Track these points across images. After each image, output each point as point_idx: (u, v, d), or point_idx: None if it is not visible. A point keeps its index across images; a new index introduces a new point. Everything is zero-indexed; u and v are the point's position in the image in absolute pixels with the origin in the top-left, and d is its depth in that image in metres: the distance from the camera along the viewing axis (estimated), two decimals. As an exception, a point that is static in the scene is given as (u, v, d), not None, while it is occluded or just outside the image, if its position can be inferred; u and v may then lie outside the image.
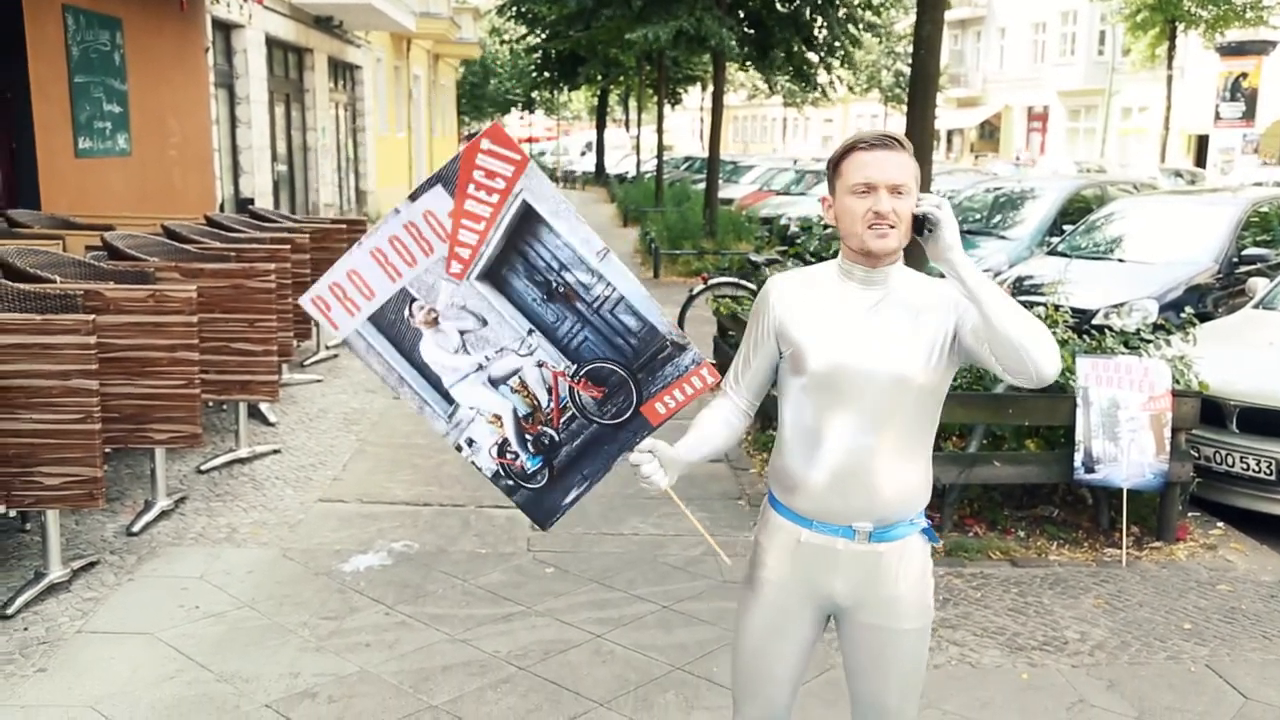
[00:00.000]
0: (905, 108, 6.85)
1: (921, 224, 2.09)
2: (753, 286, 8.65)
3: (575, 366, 2.04)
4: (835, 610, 2.29)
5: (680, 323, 8.96)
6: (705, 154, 20.72)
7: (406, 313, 2.00)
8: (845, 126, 55.61)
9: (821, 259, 7.35)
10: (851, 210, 2.11)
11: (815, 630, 2.32)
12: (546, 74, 30.96)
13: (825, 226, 8.23)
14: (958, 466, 4.96)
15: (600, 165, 38.16)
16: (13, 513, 4.38)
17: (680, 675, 3.68)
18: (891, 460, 2.15)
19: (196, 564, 4.49)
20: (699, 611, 4.16)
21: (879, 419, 2.14)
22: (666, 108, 27.09)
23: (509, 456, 2.05)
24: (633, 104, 40.53)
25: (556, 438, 2.05)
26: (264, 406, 6.70)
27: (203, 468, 5.72)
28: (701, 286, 8.98)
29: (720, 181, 18.08)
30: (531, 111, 54.26)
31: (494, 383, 2.03)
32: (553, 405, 2.05)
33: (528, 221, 1.98)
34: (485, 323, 2.00)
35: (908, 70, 7.29)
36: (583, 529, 5.01)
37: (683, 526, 5.08)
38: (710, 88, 18.84)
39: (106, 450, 5.34)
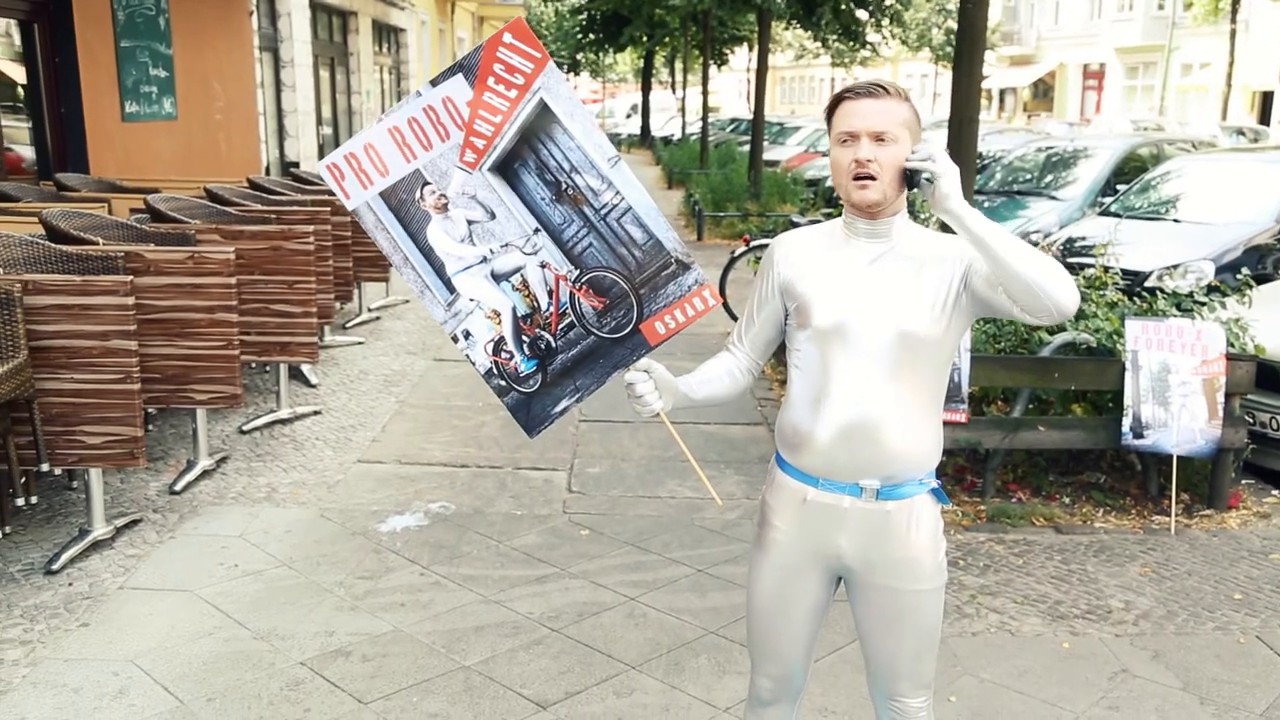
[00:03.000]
0: (953, 65, 6.70)
1: (914, 176, 2.01)
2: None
3: (578, 272, 2.00)
4: (845, 571, 2.25)
5: (722, 285, 8.87)
6: (750, 115, 20.48)
7: (418, 194, 1.99)
8: (895, 87, 54.65)
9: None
10: (838, 161, 2.08)
11: (825, 590, 2.29)
12: (591, 36, 30.73)
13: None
14: (1001, 431, 4.86)
15: (645, 127, 37.88)
16: (58, 471, 4.45)
17: (713, 639, 3.65)
18: (898, 416, 2.10)
19: (236, 523, 4.53)
20: (733, 575, 4.13)
21: (884, 374, 2.08)
22: (712, 69, 26.78)
23: (504, 355, 2.03)
24: (678, 66, 40.11)
25: (554, 344, 2.02)
26: (305, 368, 6.74)
27: (244, 428, 5.77)
28: (744, 248, 8.88)
29: (766, 143, 17.88)
30: (577, 74, 53.94)
31: (496, 277, 2.01)
32: (552, 309, 2.02)
33: (543, 119, 1.96)
34: (493, 216, 1.98)
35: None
36: (619, 491, 4.99)
37: (720, 490, 5.04)
38: (756, 48, 18.57)
39: (150, 410, 5.42)
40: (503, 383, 2.03)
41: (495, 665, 3.45)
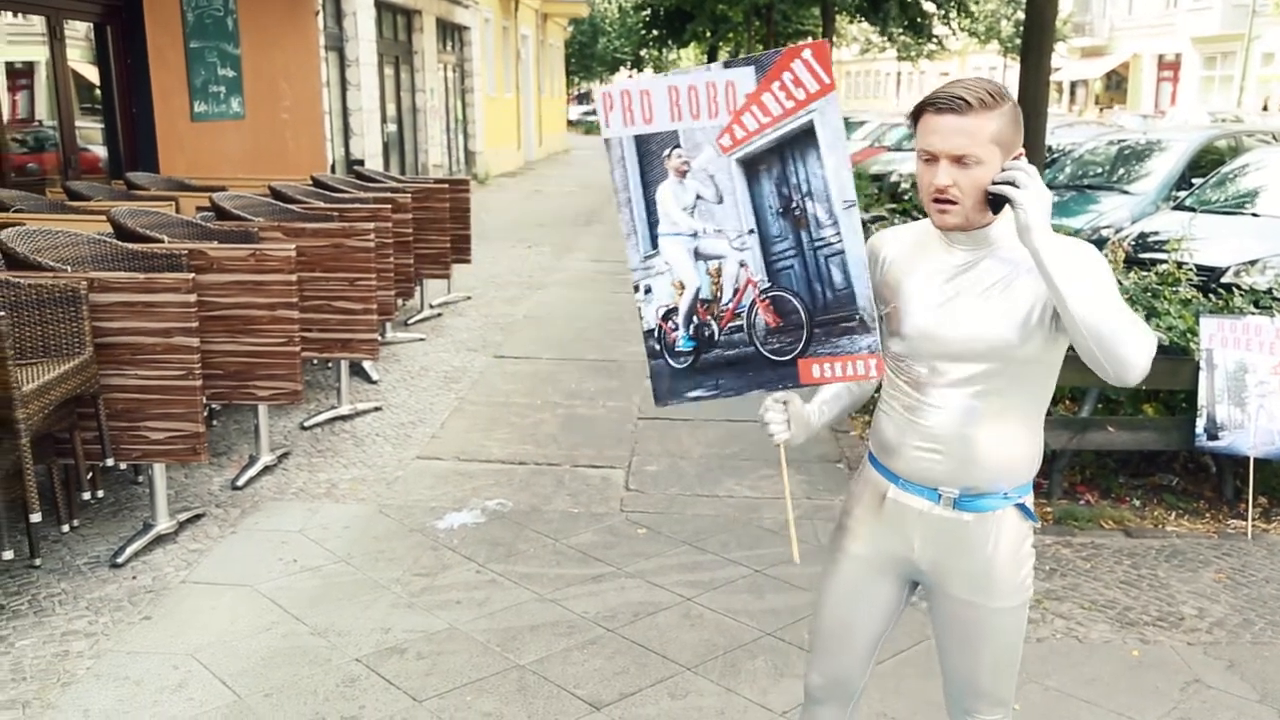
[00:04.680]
0: (1021, 56, 6.54)
1: (998, 200, 1.89)
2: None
3: (769, 284, 2.05)
4: (920, 577, 2.19)
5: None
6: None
7: (666, 152, 2.06)
8: (962, 80, 53.80)
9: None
10: (921, 178, 1.96)
11: (897, 594, 2.22)
12: (655, 31, 30.70)
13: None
14: (1069, 431, 4.73)
15: (708, 123, 37.72)
16: (124, 466, 4.53)
17: (770, 641, 3.60)
18: (982, 430, 2.01)
19: (296, 518, 4.58)
20: (791, 576, 4.07)
21: (970, 385, 2.00)
22: (775, 63, 26.58)
23: (670, 325, 2.09)
24: (742, 60, 39.90)
25: (716, 336, 2.06)
26: (367, 364, 6.81)
27: (306, 424, 5.84)
28: (805, 245, 8.76)
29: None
30: (640, 70, 53.97)
31: (697, 255, 2.08)
32: (730, 306, 2.07)
33: (805, 139, 1.99)
34: (720, 201, 2.04)
35: (1026, 17, 6.97)
36: (677, 490, 4.95)
37: (779, 490, 4.98)
38: (820, 41, 18.39)
39: (213, 406, 5.50)
40: (657, 346, 2.09)
41: (549, 665, 3.44)
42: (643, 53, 46.71)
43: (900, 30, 21.65)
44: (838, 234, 1.99)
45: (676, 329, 2.10)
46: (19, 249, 4.35)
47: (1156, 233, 7.82)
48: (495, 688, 3.30)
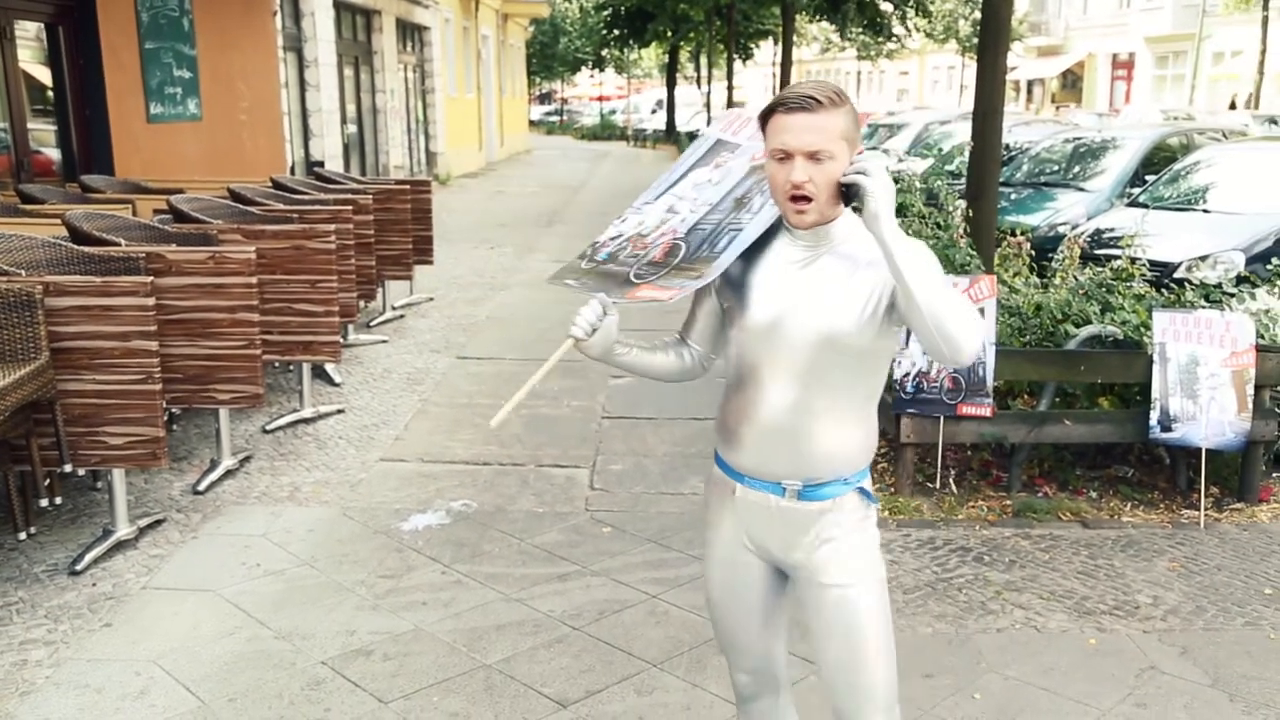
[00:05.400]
0: (978, 55, 6.61)
1: (850, 191, 1.95)
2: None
3: (681, 235, 2.21)
4: (785, 569, 2.22)
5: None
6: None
7: (718, 157, 2.35)
8: (921, 79, 54.37)
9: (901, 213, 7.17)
10: (773, 178, 2.01)
11: (772, 582, 2.26)
12: (616, 31, 30.76)
13: (895, 181, 8.02)
14: (1027, 425, 4.80)
15: (671, 123, 37.85)
16: (82, 471, 4.48)
17: (735, 637, 3.62)
18: (821, 420, 2.07)
19: (259, 522, 4.55)
20: (756, 572, 4.10)
21: (808, 377, 2.05)
22: (737, 63, 26.72)
23: (607, 243, 2.28)
24: (703, 60, 40.04)
25: (622, 257, 2.22)
26: (329, 367, 6.77)
27: (268, 427, 5.80)
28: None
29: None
30: (602, 70, 53.97)
31: (669, 210, 2.28)
32: (646, 239, 2.24)
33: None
34: (715, 185, 2.27)
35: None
36: (642, 488, 4.97)
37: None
38: (781, 42, 18.48)
39: (174, 410, 5.45)
40: (587, 249, 2.27)
41: (516, 664, 3.45)
42: (604, 52, 46.75)
43: (859, 30, 21.80)
44: (751, 218, 2.14)
45: (607, 247, 2.27)
46: (-28, 253, 4.29)
47: (1111, 229, 7.95)
48: (462, 687, 3.30)
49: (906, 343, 4.72)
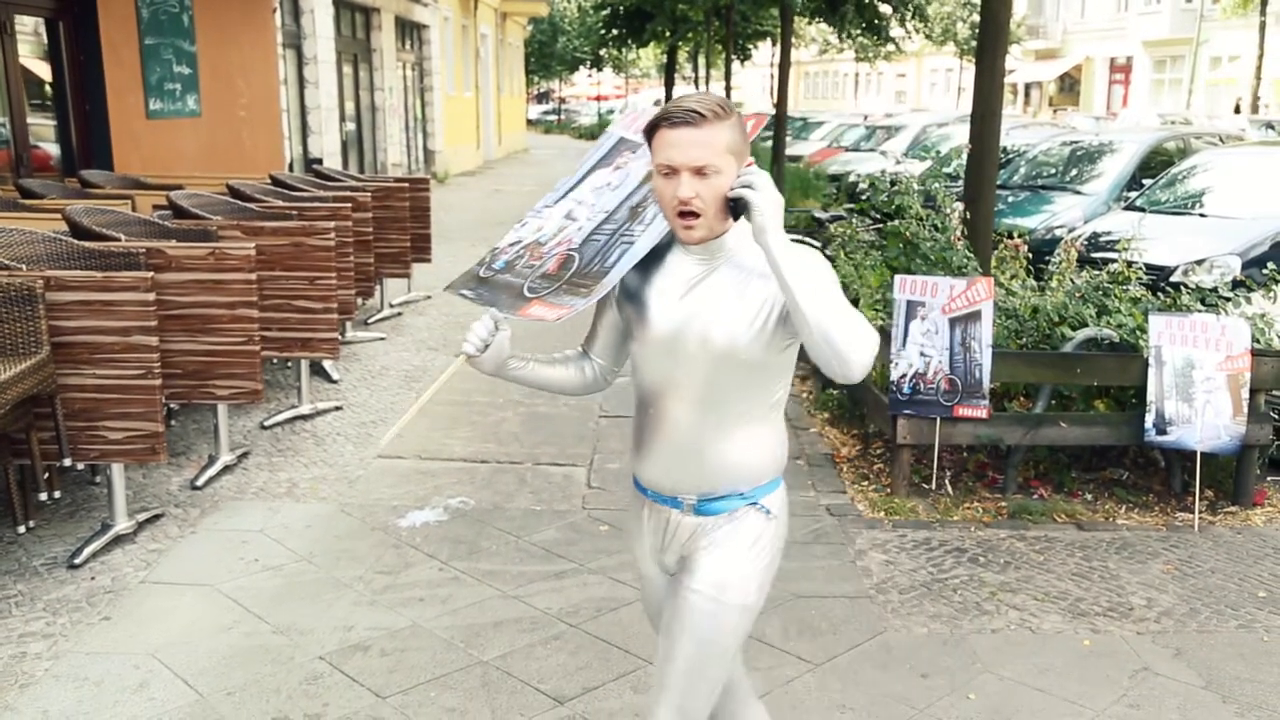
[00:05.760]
0: (976, 58, 6.62)
1: (738, 205, 1.93)
2: (817, 244, 8.47)
3: (575, 247, 2.18)
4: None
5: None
6: (773, 111, 20.41)
7: (622, 153, 2.33)
8: (919, 81, 54.44)
9: (888, 216, 7.19)
10: (661, 194, 1.99)
11: None
12: (614, 31, 30.70)
13: (892, 183, 8.03)
14: (1023, 427, 4.83)
15: (668, 123, 37.79)
16: (81, 466, 4.48)
17: (731, 635, 3.64)
18: (718, 434, 2.05)
19: (257, 518, 4.56)
20: (752, 571, 4.11)
21: (705, 391, 2.04)
22: (736, 64, 26.73)
23: (505, 250, 2.25)
24: (701, 61, 40.02)
25: (518, 267, 2.19)
26: (327, 364, 6.78)
27: (266, 423, 5.81)
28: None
29: (789, 138, 17.81)
30: (600, 70, 53.96)
31: (568, 215, 2.25)
32: (542, 250, 2.21)
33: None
34: (615, 190, 2.24)
35: (980, 20, 7.04)
36: (638, 487, 4.98)
37: (739, 486, 5.02)
38: (779, 43, 18.49)
39: (171, 406, 5.45)
40: (486, 257, 2.26)
41: (513, 660, 3.46)
42: (602, 52, 46.72)
43: (857, 32, 21.79)
44: (643, 230, 2.11)
45: (505, 254, 2.24)
46: (-28, 247, 4.30)
47: (1108, 232, 7.98)
48: (459, 683, 3.32)
49: (904, 345, 4.75)
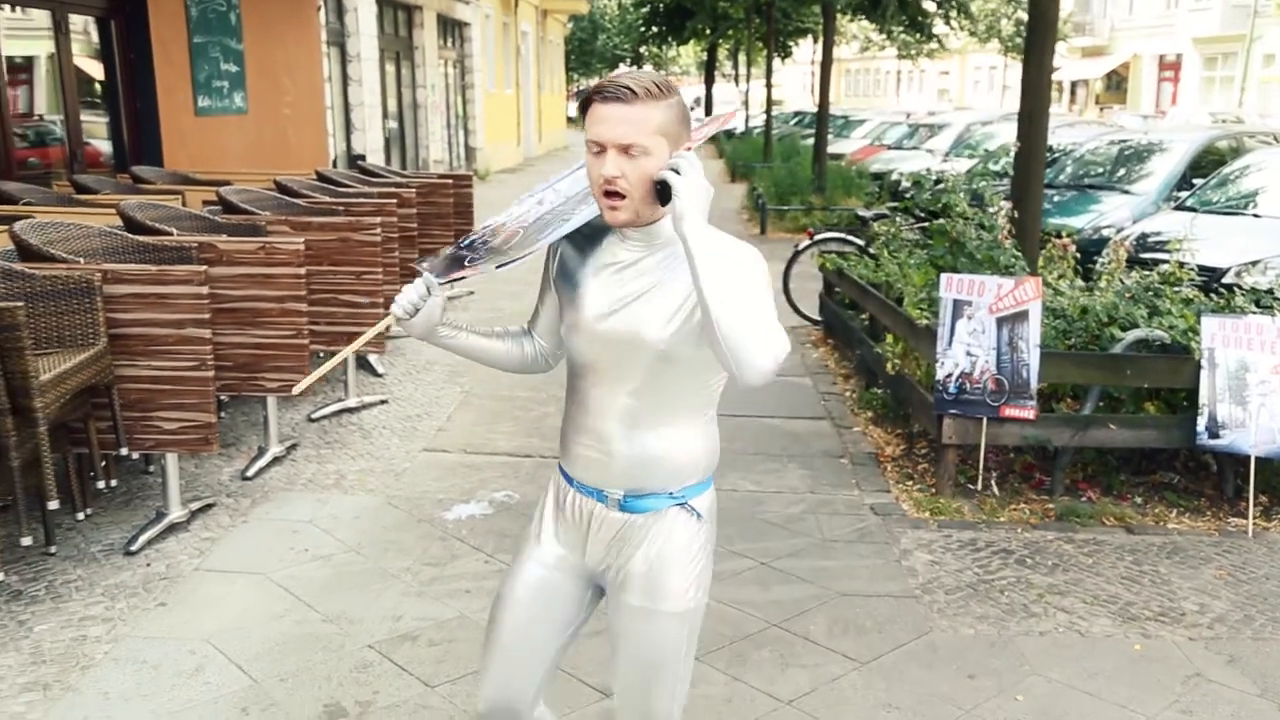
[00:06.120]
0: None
1: (666, 190, 1.84)
2: (860, 242, 8.47)
3: (528, 225, 2.17)
4: (599, 581, 2.14)
5: (785, 278, 8.83)
6: (814, 109, 20.32)
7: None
8: (963, 78, 53.98)
9: (933, 215, 7.14)
10: (590, 171, 1.92)
11: (581, 595, 2.15)
12: (654, 28, 30.72)
13: (936, 181, 7.98)
14: (1071, 429, 4.78)
15: (708, 121, 37.72)
16: (136, 455, 4.57)
17: (776, 632, 3.64)
18: (645, 428, 1.99)
19: (306, 509, 4.62)
20: (796, 569, 4.12)
21: (632, 382, 1.98)
22: (776, 61, 26.64)
23: (477, 232, 2.22)
24: (741, 59, 39.90)
25: (475, 244, 2.18)
26: (372, 358, 6.84)
27: (313, 416, 5.88)
28: (807, 242, 8.83)
29: (830, 136, 17.73)
30: (640, 67, 53.97)
31: (538, 202, 2.21)
32: (504, 229, 2.19)
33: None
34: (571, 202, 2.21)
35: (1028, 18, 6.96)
36: (682, 484, 4.99)
37: (783, 484, 5.03)
38: (820, 40, 18.41)
39: (222, 397, 5.54)
40: (465, 241, 2.22)
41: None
42: (642, 49, 46.71)
43: (900, 29, 21.64)
44: (585, 210, 2.08)
45: (473, 234, 2.22)
46: (32, 241, 4.39)
47: (1158, 233, 7.87)
48: (507, 675, 3.34)
49: (950, 344, 4.72)
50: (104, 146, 9.24)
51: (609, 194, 1.88)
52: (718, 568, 4.10)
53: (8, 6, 7.76)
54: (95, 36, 8.98)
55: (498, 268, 2.07)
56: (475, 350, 2.20)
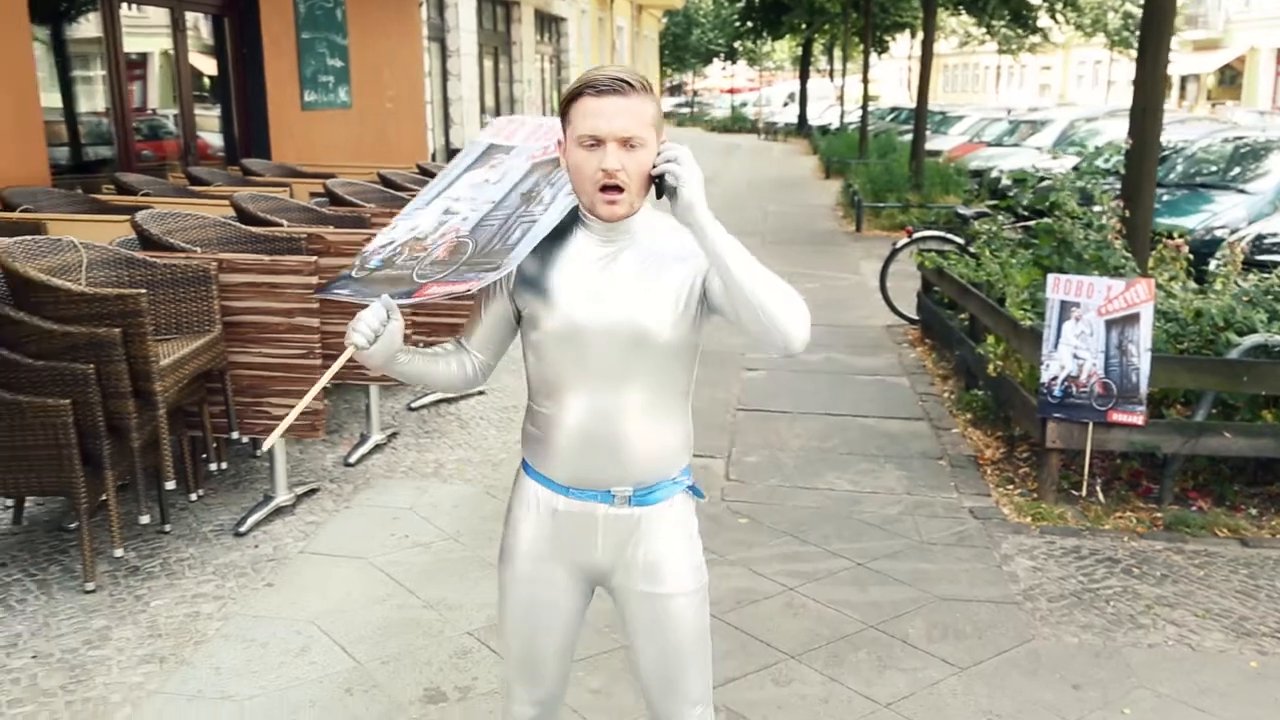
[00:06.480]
0: (1133, 52, 6.37)
1: (661, 182, 1.86)
2: (960, 241, 8.31)
3: (467, 233, 2.07)
4: (603, 581, 2.11)
5: (883, 277, 8.71)
6: (911, 104, 19.99)
7: (491, 160, 2.23)
8: (1065, 74, 52.56)
9: (1038, 213, 6.97)
10: (580, 167, 1.87)
11: (582, 601, 2.15)
12: (749, 23, 30.60)
13: (1040, 179, 7.78)
14: (1182, 436, 4.62)
15: (803, 116, 37.49)
16: (245, 439, 4.71)
17: (873, 634, 3.60)
18: (641, 422, 1.97)
19: (406, 496, 4.72)
20: (894, 571, 4.06)
21: (622, 378, 1.95)
22: (873, 56, 26.28)
23: (376, 250, 2.11)
24: (837, 53, 39.48)
25: (398, 262, 2.06)
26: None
27: (413, 405, 6.00)
28: (906, 240, 8.70)
29: (928, 133, 17.42)
30: (734, 62, 53.79)
31: (446, 211, 2.14)
32: (426, 242, 2.09)
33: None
34: (498, 183, 2.16)
35: (1137, 11, 6.75)
36: (777, 481, 4.97)
37: (880, 484, 4.96)
38: (919, 34, 18.10)
39: (325, 385, 5.68)
40: (356, 261, 2.11)
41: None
42: (736, 44, 46.56)
43: (1002, 23, 21.18)
44: (544, 210, 2.02)
45: (378, 254, 2.10)
46: (153, 230, 4.56)
47: (1275, 234, 7.57)
48: (603, 665, 3.37)
49: (1056, 346, 4.60)
50: (214, 139, 9.55)
51: (608, 188, 1.86)
52: (813, 566, 4.09)
53: (127, 5, 8.07)
54: (204, 34, 9.28)
55: (495, 278, 1.95)
56: (426, 375, 2.06)
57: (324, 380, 1.99)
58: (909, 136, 17.97)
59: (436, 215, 2.13)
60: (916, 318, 8.24)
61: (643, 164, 1.86)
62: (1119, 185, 6.55)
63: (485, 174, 2.19)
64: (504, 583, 2.14)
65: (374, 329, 1.86)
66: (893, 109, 32.63)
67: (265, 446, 2.06)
